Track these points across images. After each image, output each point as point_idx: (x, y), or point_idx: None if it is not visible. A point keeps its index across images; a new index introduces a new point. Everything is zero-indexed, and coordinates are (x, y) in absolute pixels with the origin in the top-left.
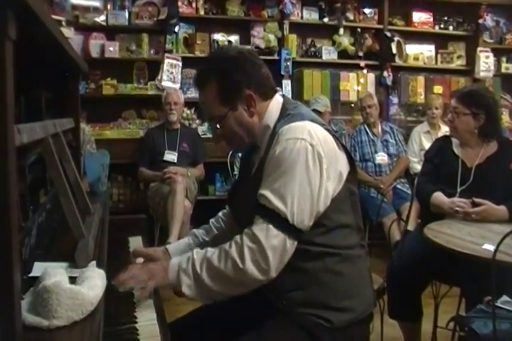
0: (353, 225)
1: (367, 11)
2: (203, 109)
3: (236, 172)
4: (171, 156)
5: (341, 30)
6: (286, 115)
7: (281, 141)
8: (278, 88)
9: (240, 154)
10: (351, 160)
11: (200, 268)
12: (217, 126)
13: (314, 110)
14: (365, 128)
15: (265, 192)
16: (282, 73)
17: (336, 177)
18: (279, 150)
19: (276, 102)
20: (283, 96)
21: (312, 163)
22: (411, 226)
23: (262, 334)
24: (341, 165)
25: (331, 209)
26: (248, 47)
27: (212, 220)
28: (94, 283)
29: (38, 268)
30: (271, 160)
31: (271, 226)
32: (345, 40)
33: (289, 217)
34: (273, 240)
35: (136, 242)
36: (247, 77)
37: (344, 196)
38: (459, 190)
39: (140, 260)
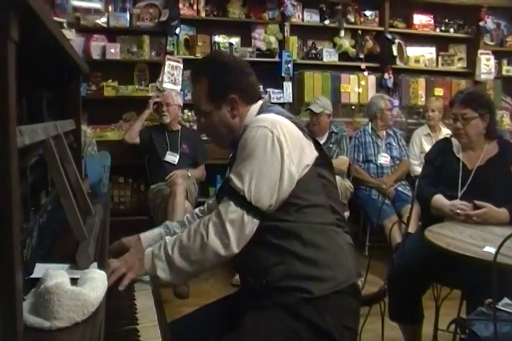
0: (326, 206)
1: (368, 13)
2: (193, 99)
3: None
4: (172, 158)
5: (342, 33)
6: (259, 113)
7: (246, 130)
8: (275, 90)
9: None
10: (319, 147)
11: (171, 250)
12: (202, 119)
13: (309, 111)
14: (369, 130)
15: (230, 175)
16: (283, 75)
17: (301, 162)
18: (244, 138)
19: (256, 106)
20: (265, 101)
21: (271, 147)
22: (412, 229)
23: (245, 328)
24: (307, 151)
25: (300, 189)
26: (249, 49)
27: (187, 215)
28: (95, 284)
29: (39, 270)
30: (238, 149)
31: (231, 202)
32: (346, 43)
33: (246, 195)
34: (231, 214)
35: None
36: (236, 83)
37: (311, 177)
38: (460, 192)
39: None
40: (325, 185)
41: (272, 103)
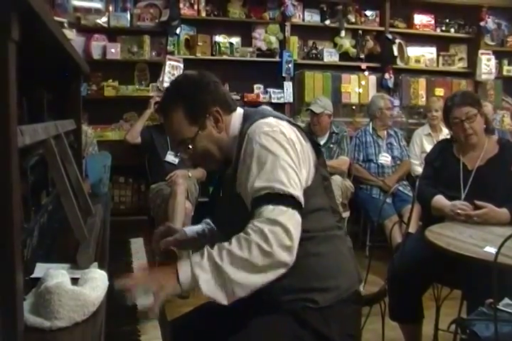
0: (327, 208)
1: (368, 13)
2: (170, 136)
3: None
4: (172, 157)
5: (343, 33)
6: (247, 119)
7: (253, 138)
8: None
9: None
10: (316, 148)
11: (220, 260)
12: (189, 146)
13: (310, 111)
14: (370, 129)
15: (262, 184)
16: (284, 75)
17: (306, 165)
18: (255, 145)
19: (238, 114)
20: (243, 107)
21: (287, 145)
22: (412, 229)
23: (250, 329)
24: (309, 153)
25: (307, 195)
26: (249, 49)
27: None
28: (95, 284)
29: (39, 270)
30: (250, 156)
31: (281, 206)
32: (346, 43)
33: (294, 194)
34: (289, 218)
35: (137, 244)
36: (211, 95)
37: (319, 182)
38: (462, 193)
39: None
40: (326, 186)
41: (272, 103)
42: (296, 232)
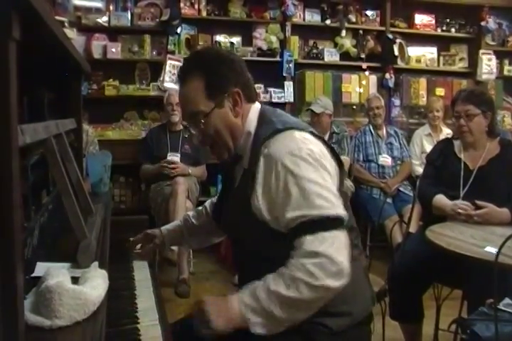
0: (349, 226)
1: (369, 13)
2: (183, 105)
3: None
4: (173, 158)
5: (343, 32)
6: (267, 121)
7: (278, 159)
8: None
9: None
10: (339, 164)
11: (269, 305)
12: (202, 121)
13: (310, 111)
14: (370, 129)
15: (294, 214)
16: (284, 75)
17: (335, 181)
18: (281, 169)
19: (255, 108)
20: (261, 104)
21: (317, 163)
22: (413, 229)
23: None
24: (332, 167)
25: None
26: (250, 48)
27: (206, 204)
28: (96, 283)
29: (40, 269)
30: (277, 181)
31: (320, 232)
32: (347, 42)
33: (331, 215)
34: (330, 243)
35: None
36: (235, 75)
37: (343, 199)
38: (462, 192)
39: None
40: (345, 202)
41: (273, 103)
42: (340, 255)
